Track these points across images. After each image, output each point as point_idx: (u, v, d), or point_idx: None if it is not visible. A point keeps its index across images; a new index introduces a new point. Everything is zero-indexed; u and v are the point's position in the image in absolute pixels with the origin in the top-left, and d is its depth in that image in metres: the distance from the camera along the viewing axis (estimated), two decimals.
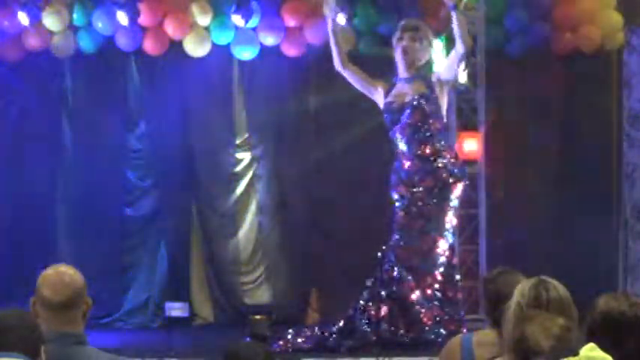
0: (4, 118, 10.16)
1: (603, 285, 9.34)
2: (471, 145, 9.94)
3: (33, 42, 9.90)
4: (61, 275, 3.84)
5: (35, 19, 9.51)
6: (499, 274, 4.48)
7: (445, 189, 8.56)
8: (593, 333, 3.41)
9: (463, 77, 9.58)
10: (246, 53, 9.92)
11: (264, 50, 9.92)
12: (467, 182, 8.74)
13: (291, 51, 9.99)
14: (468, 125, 9.93)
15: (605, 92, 10.04)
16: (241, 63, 10.18)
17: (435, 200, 8.57)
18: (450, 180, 8.56)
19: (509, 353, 3.33)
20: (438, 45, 9.46)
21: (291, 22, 9.87)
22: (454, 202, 8.64)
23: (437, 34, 9.45)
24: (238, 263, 10.41)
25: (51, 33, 9.88)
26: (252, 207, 10.45)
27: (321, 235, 10.19)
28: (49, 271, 3.87)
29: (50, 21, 9.74)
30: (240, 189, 10.42)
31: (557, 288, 3.53)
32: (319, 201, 10.22)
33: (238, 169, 10.44)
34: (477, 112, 9.94)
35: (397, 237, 8.65)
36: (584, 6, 9.89)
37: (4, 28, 9.81)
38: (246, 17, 9.50)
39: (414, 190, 8.59)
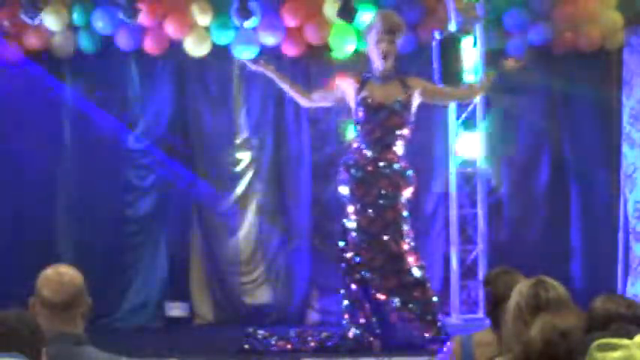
0: (4, 118, 10.15)
1: (603, 285, 9.35)
2: (471, 145, 9.94)
3: (33, 42, 9.91)
4: (61, 275, 3.84)
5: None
6: (499, 275, 4.50)
7: (398, 193, 8.60)
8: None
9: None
10: (246, 53, 9.92)
11: (264, 50, 9.92)
12: (415, 188, 8.76)
13: (291, 51, 9.99)
14: (468, 125, 9.94)
15: (605, 92, 10.03)
16: (241, 63, 10.18)
17: (390, 203, 8.59)
18: (401, 184, 8.61)
19: (509, 353, 3.34)
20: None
21: (291, 22, 9.86)
22: (404, 199, 8.66)
23: (440, 32, 9.49)
24: (238, 263, 10.41)
25: (51, 33, 9.90)
26: (252, 207, 10.45)
27: (321, 235, 10.19)
28: (49, 271, 3.87)
29: (50, 21, 9.75)
30: (240, 189, 10.42)
31: (556, 288, 3.54)
32: (319, 201, 10.22)
33: (238, 169, 10.44)
34: (477, 112, 9.96)
35: (356, 237, 8.65)
36: (584, 6, 9.88)
37: (4, 27, 9.82)
38: (246, 17, 9.51)
39: (370, 192, 8.60)
